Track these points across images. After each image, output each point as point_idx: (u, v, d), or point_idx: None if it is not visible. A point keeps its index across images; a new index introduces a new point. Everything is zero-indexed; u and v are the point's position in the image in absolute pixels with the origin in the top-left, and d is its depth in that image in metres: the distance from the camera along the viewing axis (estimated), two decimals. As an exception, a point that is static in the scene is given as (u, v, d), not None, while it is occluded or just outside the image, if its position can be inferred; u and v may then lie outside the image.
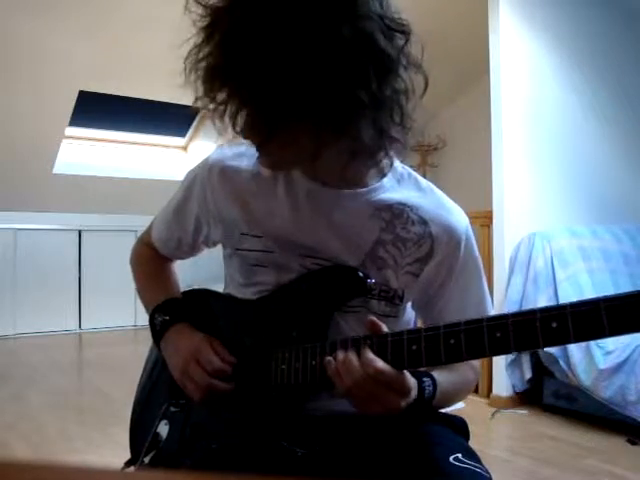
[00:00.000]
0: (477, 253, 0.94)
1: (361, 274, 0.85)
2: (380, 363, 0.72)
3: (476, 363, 0.94)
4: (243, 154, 0.93)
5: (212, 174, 0.93)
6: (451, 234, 0.89)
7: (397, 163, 0.92)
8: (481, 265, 0.95)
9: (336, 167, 0.83)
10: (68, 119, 4.22)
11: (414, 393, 0.76)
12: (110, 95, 4.25)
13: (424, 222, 0.88)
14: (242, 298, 0.93)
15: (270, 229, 0.88)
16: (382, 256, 0.87)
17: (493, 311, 0.93)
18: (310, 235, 0.87)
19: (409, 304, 0.95)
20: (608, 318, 0.62)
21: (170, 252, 1.07)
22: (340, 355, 0.75)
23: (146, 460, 0.88)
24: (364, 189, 0.88)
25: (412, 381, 0.75)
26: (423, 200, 0.90)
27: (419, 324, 0.89)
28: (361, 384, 0.72)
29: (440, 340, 0.71)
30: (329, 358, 0.76)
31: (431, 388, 0.79)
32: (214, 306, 0.98)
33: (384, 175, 0.89)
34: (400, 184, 0.91)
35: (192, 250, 1.05)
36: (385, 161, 0.87)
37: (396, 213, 0.88)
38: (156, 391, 0.98)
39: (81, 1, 3.28)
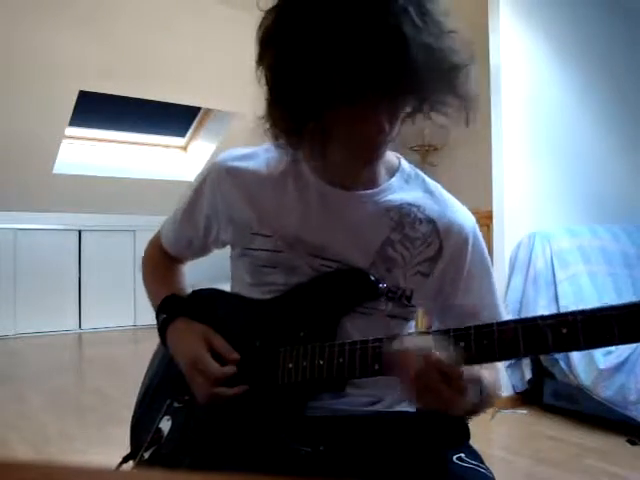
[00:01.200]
0: (487, 254, 0.95)
1: (373, 277, 0.85)
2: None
3: (499, 365, 0.93)
4: (250, 155, 0.94)
5: (222, 174, 0.93)
6: (459, 232, 0.90)
7: (404, 163, 0.94)
8: (491, 266, 0.95)
9: (350, 167, 0.86)
10: (68, 119, 4.22)
11: (472, 393, 0.74)
12: (110, 95, 4.25)
13: (431, 221, 0.89)
14: (251, 298, 0.93)
15: (280, 228, 0.89)
16: (391, 256, 0.87)
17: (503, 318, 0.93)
18: (319, 234, 0.88)
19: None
20: (618, 326, 0.63)
21: (180, 252, 1.07)
22: (399, 344, 0.73)
23: (146, 455, 0.87)
24: (374, 190, 0.89)
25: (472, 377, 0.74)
26: (430, 200, 0.91)
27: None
28: (423, 374, 0.69)
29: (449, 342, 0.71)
30: (393, 346, 0.74)
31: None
32: (222, 306, 0.98)
33: (393, 175, 0.91)
34: (408, 184, 0.92)
35: (202, 250, 1.05)
36: (393, 160, 0.89)
37: (404, 213, 0.89)
38: (160, 387, 0.98)
39: (81, 1, 3.29)
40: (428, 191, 0.93)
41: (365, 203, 0.88)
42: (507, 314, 0.96)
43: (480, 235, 0.94)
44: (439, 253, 0.89)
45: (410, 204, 0.90)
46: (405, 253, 0.88)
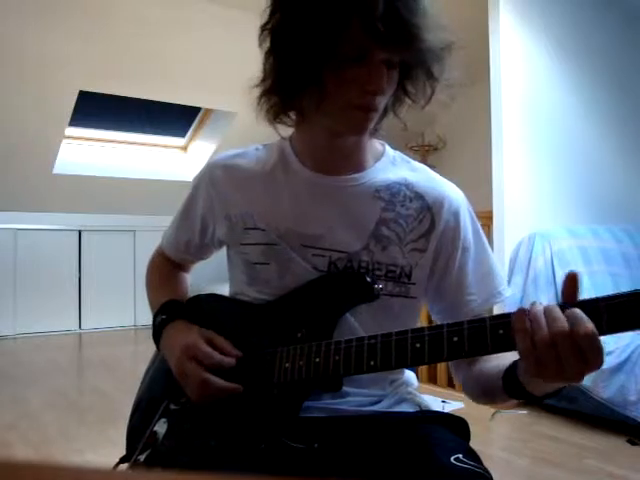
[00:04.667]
0: (479, 227, 0.95)
1: (369, 279, 0.86)
2: (592, 325, 0.62)
3: None
4: (241, 154, 0.98)
5: (215, 173, 0.97)
6: (449, 204, 0.91)
7: (389, 148, 0.97)
8: (484, 236, 0.96)
9: (337, 149, 0.89)
10: (68, 119, 4.22)
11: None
12: (110, 95, 4.25)
13: (420, 197, 0.91)
14: (249, 302, 0.94)
15: (273, 221, 0.91)
16: (386, 234, 0.88)
17: (502, 287, 0.94)
18: (312, 224, 0.89)
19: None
20: (608, 316, 0.63)
21: (179, 256, 1.09)
22: (537, 306, 0.67)
23: (141, 458, 0.87)
24: (362, 173, 0.91)
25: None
26: (417, 177, 0.94)
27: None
28: (559, 341, 0.63)
29: (443, 338, 0.71)
30: (521, 310, 0.67)
31: None
32: (221, 309, 0.99)
33: (378, 160, 0.94)
34: (394, 165, 0.95)
35: (200, 252, 1.07)
36: (378, 147, 0.94)
37: (394, 192, 0.91)
38: (158, 389, 0.98)
39: (81, 2, 3.28)
40: (414, 170, 0.95)
41: (354, 186, 0.90)
42: (508, 286, 0.96)
43: (471, 209, 0.95)
44: (432, 227, 0.90)
45: (399, 183, 0.92)
46: (399, 230, 0.89)
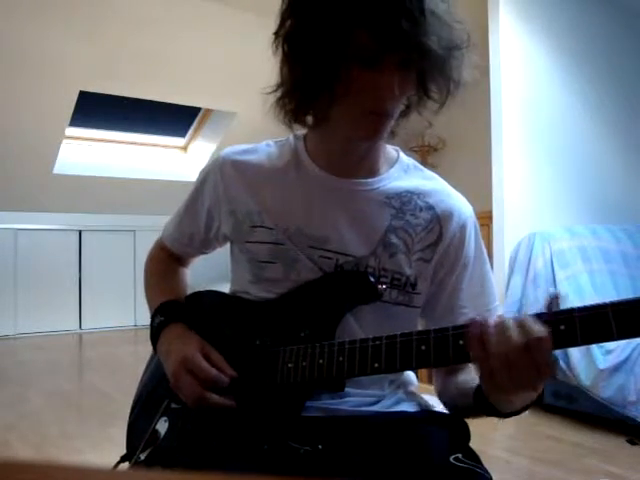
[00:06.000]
0: (481, 239, 0.96)
1: (372, 279, 0.85)
2: (544, 331, 0.64)
3: None
4: (252, 150, 0.96)
5: (224, 168, 0.95)
6: (458, 217, 0.92)
7: (403, 155, 0.97)
8: (485, 251, 0.96)
9: (350, 153, 0.88)
10: (68, 119, 4.22)
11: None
12: (110, 95, 4.25)
13: (431, 207, 0.91)
14: (250, 300, 0.93)
15: (282, 220, 0.90)
16: (394, 242, 0.88)
17: (494, 305, 0.94)
18: (322, 226, 0.88)
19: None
20: (615, 322, 0.63)
21: (181, 249, 1.07)
22: (489, 320, 0.68)
23: (142, 457, 0.87)
24: (375, 178, 0.91)
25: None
26: (429, 187, 0.94)
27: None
28: (515, 353, 0.64)
29: (449, 341, 0.71)
30: (475, 320, 0.69)
31: None
32: (222, 307, 0.98)
33: (392, 166, 0.94)
34: (407, 173, 0.95)
35: (204, 246, 1.05)
36: (392, 153, 0.94)
37: (405, 200, 0.91)
38: (157, 387, 0.98)
39: (81, 1, 3.29)
40: (427, 179, 0.95)
41: (366, 191, 0.90)
42: (500, 304, 0.97)
43: (477, 224, 0.96)
44: (439, 239, 0.90)
45: (410, 192, 0.91)
46: (407, 239, 0.89)
